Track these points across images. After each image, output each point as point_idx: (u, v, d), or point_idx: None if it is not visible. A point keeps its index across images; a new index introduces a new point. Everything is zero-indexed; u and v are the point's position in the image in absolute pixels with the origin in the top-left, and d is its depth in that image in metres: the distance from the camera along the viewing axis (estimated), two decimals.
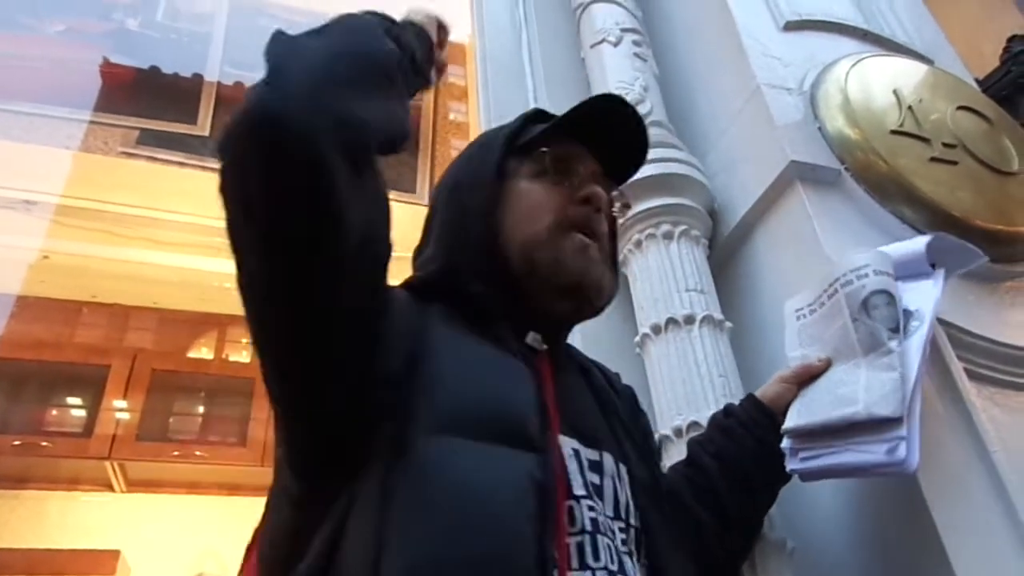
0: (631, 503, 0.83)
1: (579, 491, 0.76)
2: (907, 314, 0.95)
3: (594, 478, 0.80)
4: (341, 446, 0.71)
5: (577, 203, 0.90)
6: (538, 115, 1.01)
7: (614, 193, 0.97)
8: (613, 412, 0.92)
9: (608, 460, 0.83)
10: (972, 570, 0.93)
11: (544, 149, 0.93)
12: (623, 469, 0.85)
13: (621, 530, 0.79)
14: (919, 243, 1.02)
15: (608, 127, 0.95)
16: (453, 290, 0.86)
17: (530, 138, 0.95)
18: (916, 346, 0.92)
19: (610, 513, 0.79)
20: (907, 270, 1.00)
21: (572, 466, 0.78)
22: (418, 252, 0.98)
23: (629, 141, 0.98)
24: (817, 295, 1.06)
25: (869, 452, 0.88)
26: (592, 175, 0.94)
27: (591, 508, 0.76)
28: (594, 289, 0.90)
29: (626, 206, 1.01)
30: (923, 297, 0.97)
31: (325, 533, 0.67)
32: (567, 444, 0.79)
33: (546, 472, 0.71)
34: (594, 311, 0.94)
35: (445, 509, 0.66)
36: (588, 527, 0.74)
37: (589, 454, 0.81)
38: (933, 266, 1.00)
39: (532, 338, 0.87)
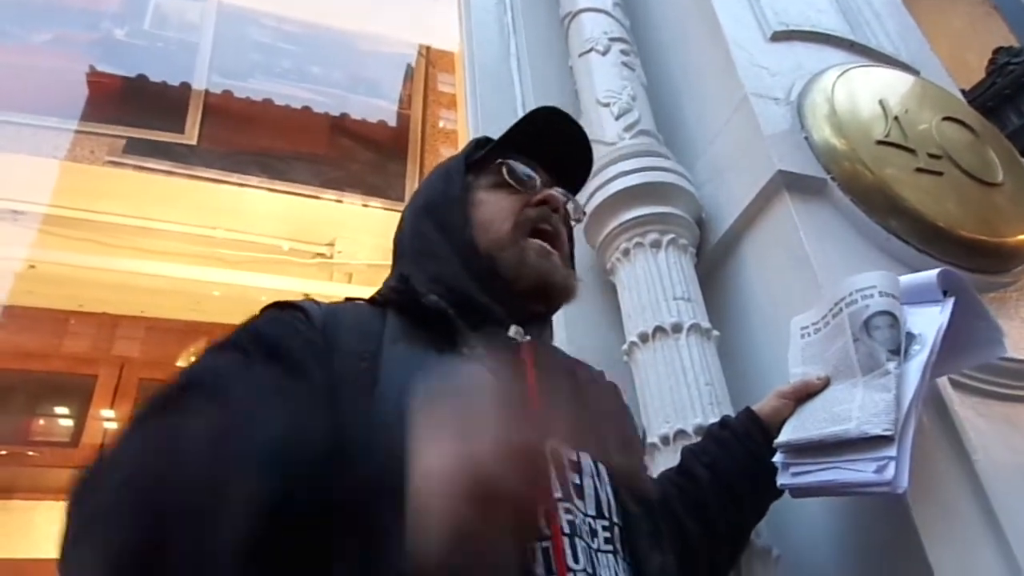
0: (612, 500, 0.83)
1: (555, 494, 0.76)
2: (910, 337, 0.95)
3: (574, 478, 0.79)
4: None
5: (535, 205, 0.95)
6: (488, 141, 1.05)
7: (570, 204, 1.01)
8: (596, 407, 0.93)
9: (586, 460, 0.83)
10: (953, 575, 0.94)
11: (500, 161, 0.98)
12: (602, 468, 0.85)
13: (605, 528, 0.79)
14: (932, 272, 1.01)
15: (557, 138, 1.01)
16: (409, 302, 0.85)
17: (484, 153, 1.00)
18: (915, 369, 0.92)
19: (592, 512, 0.79)
20: (918, 296, 1.00)
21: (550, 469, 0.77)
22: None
23: (577, 150, 1.04)
24: (823, 314, 1.06)
25: (858, 470, 0.88)
26: (546, 183, 0.99)
27: (568, 511, 0.75)
28: (559, 290, 0.95)
29: (581, 212, 1.05)
30: (928, 322, 0.96)
31: None
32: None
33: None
34: (556, 308, 0.98)
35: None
36: (566, 530, 0.73)
37: (568, 453, 0.81)
38: (945, 293, 0.99)
39: (514, 331, 0.88)
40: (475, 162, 1.00)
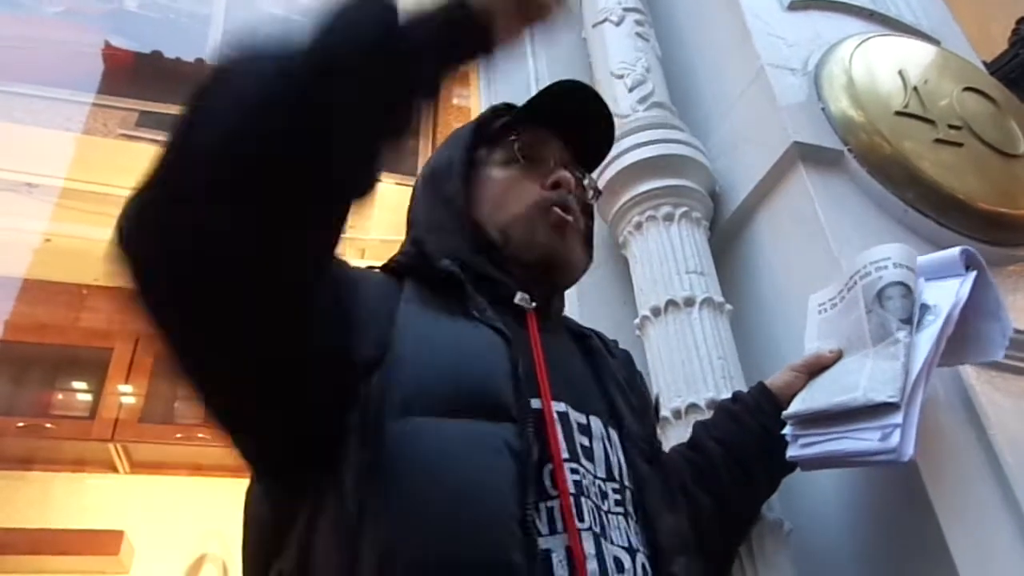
0: (624, 464, 0.83)
1: (564, 455, 0.75)
2: (924, 308, 0.93)
3: (583, 440, 0.79)
4: (308, 443, 0.69)
5: (548, 188, 0.92)
6: (506, 108, 1.02)
7: (585, 181, 0.98)
8: (608, 374, 0.92)
9: (596, 423, 0.82)
10: (968, 551, 0.93)
11: (512, 137, 0.95)
12: (613, 432, 0.84)
13: (615, 491, 0.79)
14: (954, 249, 0.99)
15: (576, 113, 0.97)
16: (423, 267, 0.85)
17: (498, 126, 0.97)
18: (927, 339, 0.90)
19: (602, 475, 0.79)
20: (938, 272, 0.98)
21: (558, 430, 0.77)
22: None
23: (597, 126, 1.00)
24: (839, 289, 1.05)
25: (864, 439, 0.88)
26: (560, 161, 0.96)
27: (574, 471, 0.75)
28: (561, 265, 0.93)
29: (597, 191, 1.02)
30: (945, 294, 0.94)
31: (299, 530, 0.66)
32: (553, 408, 0.78)
33: (524, 439, 0.71)
34: (564, 286, 0.97)
35: (418, 489, 0.65)
36: (571, 489, 0.73)
37: (577, 417, 0.81)
38: (967, 269, 0.97)
39: (520, 298, 0.87)
40: (490, 133, 0.97)
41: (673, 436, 1.16)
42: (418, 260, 0.86)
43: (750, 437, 1.02)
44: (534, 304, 0.87)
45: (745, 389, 1.13)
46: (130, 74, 3.48)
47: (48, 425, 3.69)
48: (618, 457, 0.83)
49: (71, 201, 3.38)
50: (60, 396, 3.87)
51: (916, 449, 0.84)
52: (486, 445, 0.69)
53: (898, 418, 0.85)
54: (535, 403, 0.76)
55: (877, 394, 0.87)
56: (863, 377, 0.91)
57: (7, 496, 3.65)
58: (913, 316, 0.93)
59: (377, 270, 0.89)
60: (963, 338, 0.95)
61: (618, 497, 0.79)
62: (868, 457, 0.89)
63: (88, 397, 3.85)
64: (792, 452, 0.97)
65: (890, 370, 0.89)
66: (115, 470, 3.86)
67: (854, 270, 1.01)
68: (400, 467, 0.66)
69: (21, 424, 3.65)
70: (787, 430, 0.98)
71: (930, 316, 0.92)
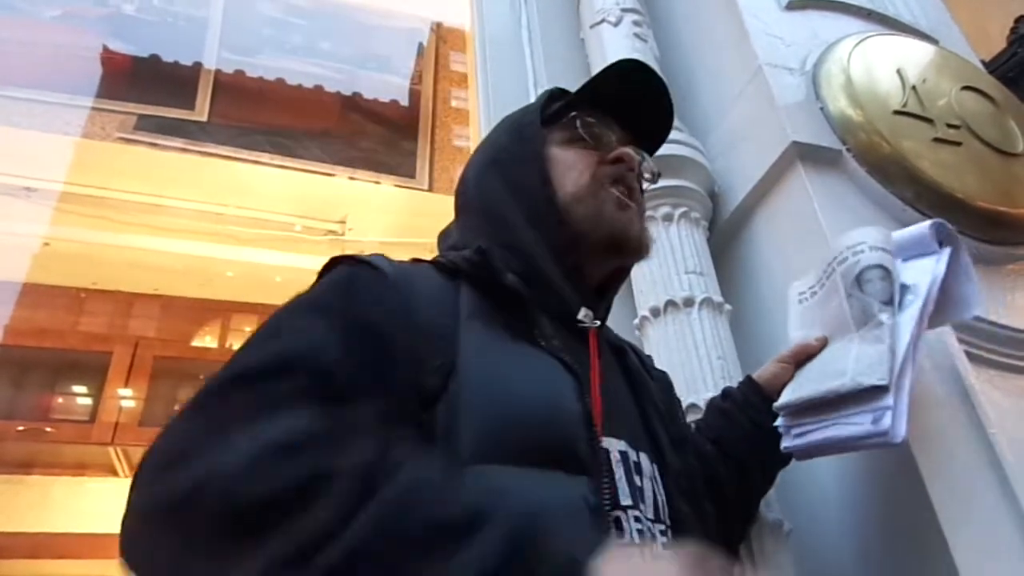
0: (665, 502, 0.81)
1: (625, 500, 0.74)
2: (904, 289, 0.94)
3: (636, 480, 0.77)
4: None
5: (609, 163, 0.92)
6: (561, 92, 1.01)
7: (645, 162, 0.98)
8: (649, 400, 0.91)
9: (645, 460, 0.81)
10: (969, 550, 0.93)
11: (574, 114, 0.94)
12: (656, 469, 0.83)
13: (662, 532, 0.77)
14: (924, 224, 1.00)
15: (633, 95, 0.97)
16: (486, 278, 0.82)
17: (558, 107, 0.96)
18: (909, 319, 0.91)
19: (651, 516, 0.77)
20: (913, 250, 0.99)
21: (619, 472, 0.75)
22: (444, 235, 0.98)
23: (654, 108, 0.99)
24: (818, 276, 1.05)
25: (856, 424, 0.88)
26: (621, 140, 0.96)
27: (637, 519, 0.74)
28: (635, 243, 0.92)
29: (656, 174, 1.01)
30: (922, 273, 0.95)
31: None
32: (614, 447, 0.77)
33: (599, 493, 0.69)
34: (629, 267, 0.98)
35: None
36: (636, 539, 0.72)
37: (633, 455, 0.79)
38: (941, 244, 0.98)
39: (584, 314, 0.86)
40: (548, 116, 0.96)
41: None
42: (482, 271, 0.82)
43: (742, 434, 1.01)
44: (597, 322, 0.87)
45: None
46: (128, 78, 3.49)
47: (48, 429, 3.70)
48: (661, 495, 0.80)
49: (70, 205, 3.38)
50: (60, 400, 3.88)
51: (908, 430, 0.85)
52: (567, 502, 0.67)
53: (888, 400, 0.85)
54: (603, 442, 0.74)
55: (865, 378, 0.87)
56: (850, 362, 0.91)
57: (7, 500, 3.65)
58: (894, 297, 0.93)
59: (430, 267, 0.85)
60: (942, 303, 0.96)
61: (664, 540, 0.77)
62: (861, 441, 0.89)
63: (88, 401, 3.86)
64: (786, 443, 0.97)
65: (876, 353, 0.89)
66: (115, 473, 3.86)
67: (831, 257, 1.02)
68: None
69: (21, 428, 3.66)
70: (779, 421, 0.98)
71: (910, 296, 0.93)
